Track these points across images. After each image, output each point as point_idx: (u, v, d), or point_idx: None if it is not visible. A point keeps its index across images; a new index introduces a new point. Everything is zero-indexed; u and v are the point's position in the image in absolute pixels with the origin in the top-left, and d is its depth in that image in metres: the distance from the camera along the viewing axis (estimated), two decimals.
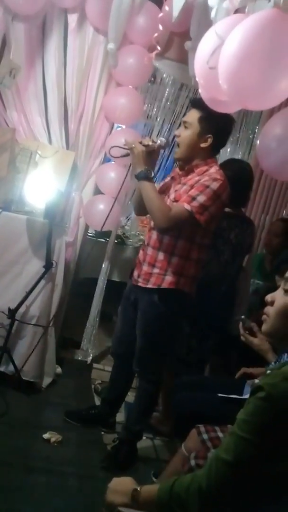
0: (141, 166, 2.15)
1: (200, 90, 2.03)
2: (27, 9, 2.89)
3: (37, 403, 2.70)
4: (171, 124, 4.39)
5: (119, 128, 3.47)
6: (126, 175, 2.45)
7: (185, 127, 2.22)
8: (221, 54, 1.58)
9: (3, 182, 2.88)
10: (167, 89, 4.17)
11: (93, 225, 3.32)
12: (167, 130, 4.41)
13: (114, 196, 2.72)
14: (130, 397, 2.65)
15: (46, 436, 2.37)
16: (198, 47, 1.83)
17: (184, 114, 3.11)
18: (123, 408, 2.72)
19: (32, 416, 2.57)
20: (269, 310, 1.19)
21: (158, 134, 4.33)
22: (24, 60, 3.02)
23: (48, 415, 2.65)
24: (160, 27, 2.97)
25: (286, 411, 0.99)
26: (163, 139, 2.22)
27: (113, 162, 3.22)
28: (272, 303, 1.18)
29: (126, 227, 4.43)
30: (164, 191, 2.29)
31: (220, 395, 1.97)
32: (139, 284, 2.29)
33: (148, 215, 2.30)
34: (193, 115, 2.21)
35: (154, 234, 2.26)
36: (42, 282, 2.78)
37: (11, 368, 2.72)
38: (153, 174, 2.19)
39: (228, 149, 4.15)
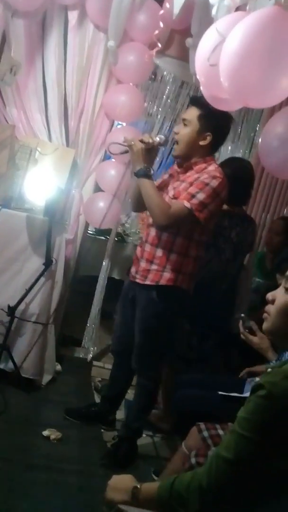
0: (140, 164, 2.16)
1: (201, 88, 2.02)
2: (27, 6, 2.88)
3: (36, 401, 2.70)
4: (171, 121, 4.38)
5: (119, 126, 3.46)
6: (125, 172, 2.45)
7: (184, 125, 2.22)
8: (222, 52, 1.58)
9: (3, 179, 2.88)
10: (168, 87, 4.15)
11: (93, 223, 3.31)
12: (168, 127, 4.40)
13: (115, 195, 2.72)
14: (130, 394, 2.66)
15: (45, 433, 2.37)
16: (199, 45, 1.83)
17: None
18: (123, 405, 2.72)
19: (32, 413, 2.58)
20: (270, 308, 1.18)
21: (158, 131, 4.31)
22: (24, 57, 3.02)
23: (48, 413, 2.65)
24: (161, 24, 2.96)
25: (286, 409, 0.99)
26: (162, 137, 2.22)
27: (113, 160, 3.22)
28: (273, 302, 1.18)
29: (126, 224, 4.43)
30: (162, 188, 2.29)
31: (220, 393, 1.97)
32: (137, 280, 2.29)
33: (146, 212, 2.31)
34: (193, 113, 2.21)
35: (153, 231, 2.26)
36: (42, 279, 2.78)
37: (10, 365, 2.72)
38: (152, 172, 2.20)
39: (229, 147, 4.15)
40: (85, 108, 3.16)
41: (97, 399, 2.88)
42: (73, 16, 3.01)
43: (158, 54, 3.10)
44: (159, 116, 4.39)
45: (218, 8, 1.84)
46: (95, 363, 3.40)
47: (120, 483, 1.23)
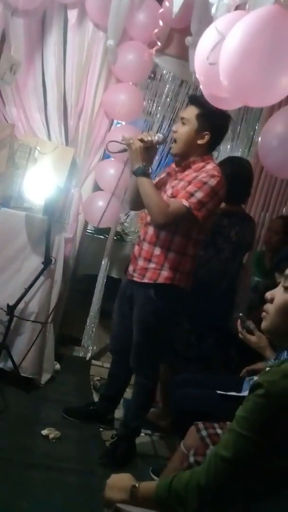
0: (139, 162, 2.16)
1: (201, 87, 2.02)
2: (27, 4, 2.87)
3: (35, 400, 2.70)
4: (171, 120, 4.38)
5: (119, 125, 3.46)
6: (123, 171, 2.45)
7: (183, 123, 2.22)
8: (222, 50, 1.58)
9: (2, 178, 2.87)
10: (167, 86, 4.15)
11: (93, 222, 3.31)
12: (167, 126, 4.40)
13: (114, 193, 2.72)
14: (129, 393, 2.66)
15: (44, 432, 2.37)
16: (198, 44, 1.82)
17: None
18: (121, 404, 2.72)
19: (31, 412, 2.57)
20: (268, 307, 1.19)
21: (158, 130, 4.32)
22: (24, 56, 3.01)
23: (47, 412, 2.64)
24: (160, 23, 2.96)
25: (285, 408, 0.99)
26: (160, 135, 2.23)
27: (112, 159, 3.22)
28: (271, 301, 1.18)
29: (125, 223, 4.43)
30: (160, 186, 2.29)
31: (219, 392, 1.97)
32: (135, 279, 2.29)
33: (145, 210, 2.31)
34: (191, 112, 2.21)
35: (150, 229, 2.26)
36: (41, 278, 2.78)
37: (9, 364, 2.72)
38: (150, 170, 2.20)
39: (228, 146, 4.15)
40: (84, 107, 3.16)
41: (96, 398, 2.88)
42: (72, 14, 3.00)
43: (158, 53, 3.10)
44: (158, 115, 4.40)
45: (217, 7, 1.83)
46: (94, 362, 3.41)
47: (119, 482, 1.23)
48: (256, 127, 3.95)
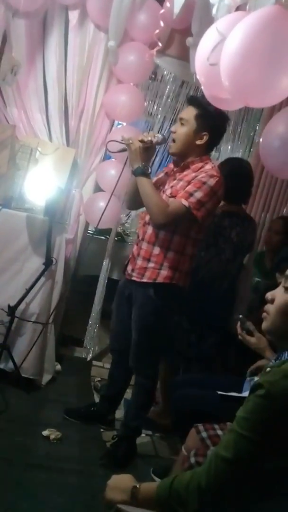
0: (138, 162, 2.18)
1: (202, 88, 2.02)
2: (28, 6, 2.88)
3: (36, 400, 2.70)
4: (171, 121, 4.38)
5: (120, 126, 3.46)
6: (122, 171, 2.46)
7: (181, 124, 2.24)
8: (223, 51, 1.58)
9: (3, 179, 2.88)
10: (168, 86, 4.15)
11: (94, 223, 3.31)
12: (168, 127, 4.40)
13: (114, 194, 2.72)
14: (129, 394, 2.65)
15: (45, 433, 2.37)
16: (199, 45, 1.83)
17: None
18: (122, 405, 2.72)
19: (32, 413, 2.58)
20: (269, 308, 1.19)
21: (159, 131, 4.31)
22: (25, 57, 3.02)
23: (48, 412, 2.64)
24: (161, 24, 2.96)
25: (285, 408, 0.99)
26: (160, 136, 2.24)
27: (113, 160, 3.22)
28: (272, 301, 1.18)
29: (126, 224, 4.43)
30: (158, 186, 2.30)
31: (219, 392, 1.97)
32: (133, 278, 2.30)
33: (142, 210, 2.32)
34: (190, 112, 2.22)
35: (149, 229, 2.26)
36: (42, 279, 2.78)
37: (10, 365, 2.72)
38: (150, 170, 2.22)
39: (229, 147, 4.15)
40: (85, 108, 3.16)
41: (97, 399, 2.88)
42: (73, 16, 3.01)
43: (159, 53, 3.10)
44: (159, 116, 4.39)
45: (218, 8, 1.84)
46: (94, 362, 3.41)
47: (120, 483, 1.23)
48: (257, 128, 3.96)
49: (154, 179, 2.37)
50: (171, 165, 2.37)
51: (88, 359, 3.40)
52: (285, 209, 3.79)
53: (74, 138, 3.19)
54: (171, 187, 2.23)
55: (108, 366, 2.99)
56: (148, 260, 2.24)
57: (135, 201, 2.33)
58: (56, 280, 2.94)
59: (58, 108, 3.12)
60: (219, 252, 2.66)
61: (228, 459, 1.02)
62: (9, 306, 2.67)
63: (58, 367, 3.08)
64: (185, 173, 2.23)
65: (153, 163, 4.27)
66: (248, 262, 3.13)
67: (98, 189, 3.35)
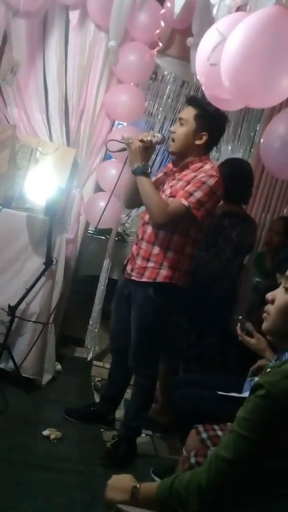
0: (138, 162, 2.18)
1: (203, 88, 2.03)
2: (28, 5, 2.88)
3: (36, 400, 2.71)
4: (172, 121, 4.38)
5: (120, 126, 3.46)
6: (122, 171, 2.46)
7: (181, 124, 2.24)
8: (223, 51, 1.58)
9: (4, 179, 2.88)
10: (169, 86, 4.15)
11: (94, 223, 3.31)
12: (168, 127, 4.40)
13: (115, 194, 2.72)
14: (129, 394, 2.65)
15: (45, 433, 2.37)
16: (199, 45, 1.83)
17: None
18: (122, 405, 2.72)
19: (32, 413, 2.58)
20: (269, 308, 1.19)
21: (159, 131, 4.31)
22: (25, 57, 3.02)
23: (48, 412, 2.64)
24: (162, 24, 2.96)
25: (286, 409, 0.99)
26: (159, 135, 2.25)
27: (114, 160, 3.22)
28: (272, 301, 1.18)
29: (126, 224, 4.42)
30: (157, 186, 2.30)
31: (219, 393, 1.97)
32: (133, 278, 2.30)
33: (140, 209, 2.32)
34: (189, 112, 2.23)
35: (149, 229, 2.27)
36: (42, 279, 2.78)
37: (11, 365, 2.72)
38: (150, 170, 2.22)
39: (230, 147, 4.14)
40: (86, 108, 3.16)
41: (97, 399, 2.88)
42: (74, 16, 3.01)
43: (159, 53, 3.10)
44: (159, 116, 4.39)
45: (218, 8, 1.84)
46: (95, 362, 3.41)
47: (120, 483, 1.23)
48: (257, 128, 3.95)
49: (153, 178, 2.37)
50: (170, 165, 2.37)
51: (89, 359, 3.40)
52: (285, 209, 3.79)
53: (74, 138, 3.19)
54: (171, 187, 2.24)
55: (108, 366, 2.99)
56: (148, 260, 2.25)
57: (133, 200, 2.35)
58: (56, 280, 2.94)
59: (59, 108, 3.12)
60: (219, 252, 2.67)
61: (228, 459, 1.02)
62: (9, 306, 2.68)
63: (58, 367, 3.08)
64: (184, 173, 2.24)
65: (153, 163, 4.28)
66: (248, 262, 3.13)
67: (98, 189, 3.35)
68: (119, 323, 2.45)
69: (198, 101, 2.22)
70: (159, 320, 2.28)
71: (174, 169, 2.31)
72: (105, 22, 2.89)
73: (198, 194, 2.11)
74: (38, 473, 2.10)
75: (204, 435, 1.68)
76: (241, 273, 2.89)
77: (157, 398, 2.73)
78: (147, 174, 2.19)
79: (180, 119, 2.25)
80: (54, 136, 3.15)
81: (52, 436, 2.36)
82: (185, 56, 2.94)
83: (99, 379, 3.15)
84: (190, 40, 2.70)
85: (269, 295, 1.20)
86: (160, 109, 4.34)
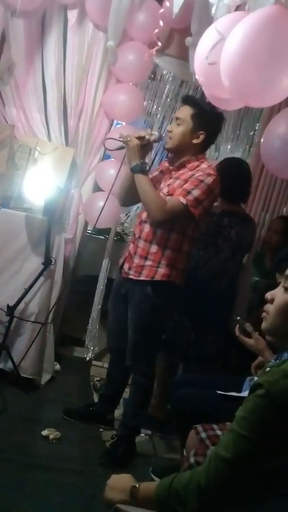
0: (136, 159, 2.19)
1: (202, 87, 2.03)
2: (27, 5, 2.87)
3: (35, 400, 2.70)
4: (171, 121, 4.38)
5: (119, 125, 3.46)
6: (119, 170, 2.46)
7: (178, 123, 2.25)
8: (223, 51, 1.58)
9: (2, 178, 2.87)
10: (167, 86, 4.14)
11: (93, 222, 3.31)
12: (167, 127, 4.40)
13: (114, 193, 2.72)
14: (128, 393, 2.65)
15: (44, 433, 2.37)
16: (198, 45, 1.83)
17: None
18: (121, 405, 2.72)
19: (31, 413, 2.57)
20: (269, 307, 1.19)
21: (158, 131, 4.30)
22: (24, 56, 3.01)
23: (47, 412, 2.64)
24: (161, 23, 2.96)
25: (285, 408, 0.99)
26: (156, 133, 2.26)
27: (113, 159, 3.21)
28: (272, 301, 1.18)
29: (125, 224, 4.42)
30: (154, 184, 2.30)
31: (219, 392, 1.97)
32: (130, 276, 2.30)
33: (138, 207, 2.32)
34: (186, 112, 2.24)
35: (146, 227, 2.27)
36: (41, 279, 2.77)
37: (9, 365, 2.72)
38: (148, 168, 2.23)
39: (229, 146, 4.14)
40: (84, 108, 3.16)
41: (96, 398, 2.87)
42: (72, 15, 3.01)
43: (158, 53, 3.10)
44: (158, 115, 4.38)
45: (217, 7, 1.84)
46: (94, 362, 3.40)
47: (119, 483, 1.23)
48: (256, 127, 3.95)
49: (149, 177, 2.37)
50: (166, 163, 2.38)
51: (88, 359, 3.39)
52: (284, 209, 3.79)
53: (73, 137, 3.18)
54: (168, 185, 2.25)
55: (107, 365, 2.99)
56: (146, 258, 2.25)
57: (128, 197, 2.36)
58: (55, 279, 2.93)
59: (57, 107, 3.12)
60: (218, 251, 2.67)
61: (227, 459, 1.02)
62: (8, 306, 2.67)
63: (57, 366, 3.08)
64: (181, 171, 2.25)
65: (152, 163, 4.28)
66: (247, 261, 3.12)
67: (97, 188, 3.35)
68: (117, 322, 2.45)
69: (194, 100, 2.24)
70: (157, 319, 2.28)
71: (170, 168, 2.32)
72: (104, 21, 2.88)
73: (196, 193, 2.12)
74: (38, 473, 2.09)
75: (203, 434, 1.68)
76: (240, 273, 2.89)
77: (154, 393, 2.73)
78: (145, 172, 2.20)
79: (177, 118, 2.26)
80: (53, 135, 3.15)
81: (51, 436, 2.36)
82: (184, 55, 2.94)
83: (98, 379, 3.14)
84: (189, 40, 2.70)
85: (268, 295, 1.20)
86: (159, 108, 4.34)
